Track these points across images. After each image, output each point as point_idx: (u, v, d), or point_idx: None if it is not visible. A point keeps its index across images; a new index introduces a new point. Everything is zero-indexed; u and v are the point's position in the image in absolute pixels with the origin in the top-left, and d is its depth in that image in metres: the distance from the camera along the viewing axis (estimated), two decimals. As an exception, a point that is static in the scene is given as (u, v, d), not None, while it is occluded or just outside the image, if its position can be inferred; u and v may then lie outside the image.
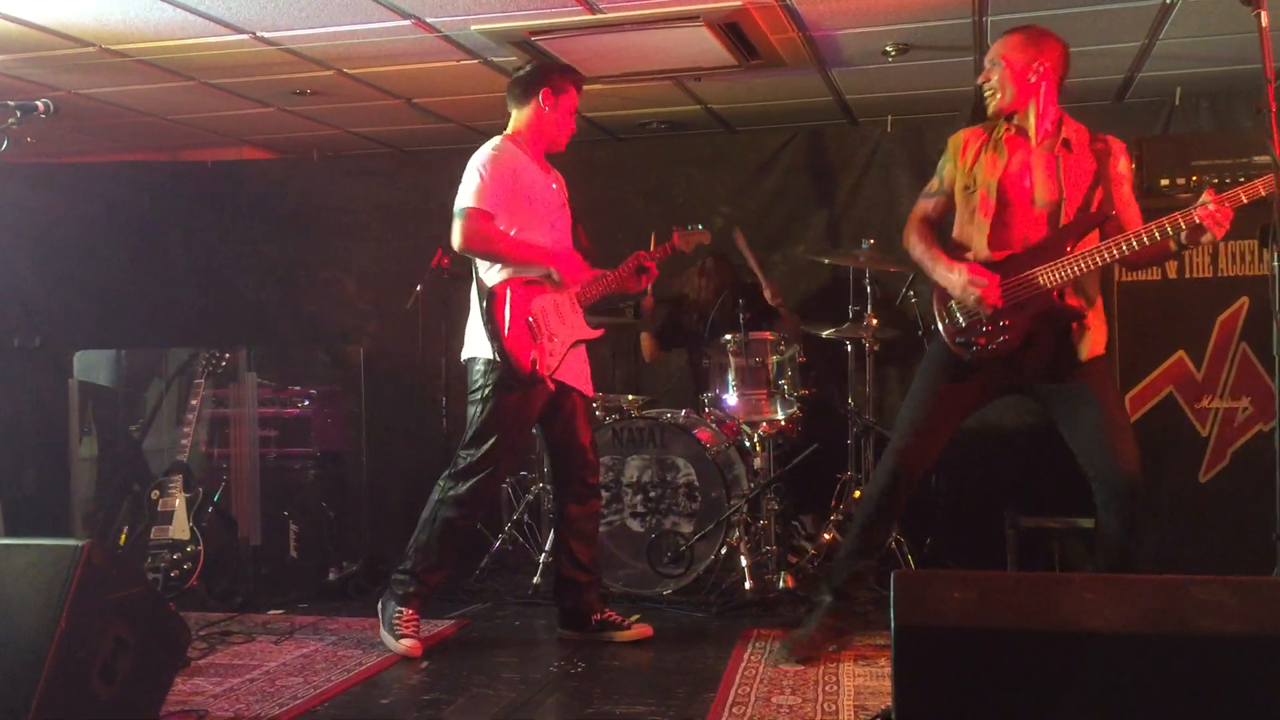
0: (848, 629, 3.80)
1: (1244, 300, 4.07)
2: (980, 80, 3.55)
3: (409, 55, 4.72)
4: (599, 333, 4.10)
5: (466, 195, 3.79)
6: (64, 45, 4.53)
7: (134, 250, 6.32)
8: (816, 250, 5.47)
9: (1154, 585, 2.34)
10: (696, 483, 4.69)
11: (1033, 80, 3.45)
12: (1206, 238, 3.18)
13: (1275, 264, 2.92)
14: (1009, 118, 3.52)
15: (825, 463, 4.97)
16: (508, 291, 3.82)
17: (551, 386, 3.88)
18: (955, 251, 3.55)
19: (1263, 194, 3.11)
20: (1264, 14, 3.00)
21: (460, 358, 4.00)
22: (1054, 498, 3.72)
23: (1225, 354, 4.08)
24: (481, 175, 3.79)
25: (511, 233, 3.84)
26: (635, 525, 4.76)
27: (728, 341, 4.85)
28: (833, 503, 5.01)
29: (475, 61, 4.81)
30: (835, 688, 3.38)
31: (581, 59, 4.76)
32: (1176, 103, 5.27)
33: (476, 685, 3.51)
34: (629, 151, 6.21)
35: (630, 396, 5.21)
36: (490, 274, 3.88)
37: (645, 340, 5.65)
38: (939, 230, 3.63)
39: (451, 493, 3.89)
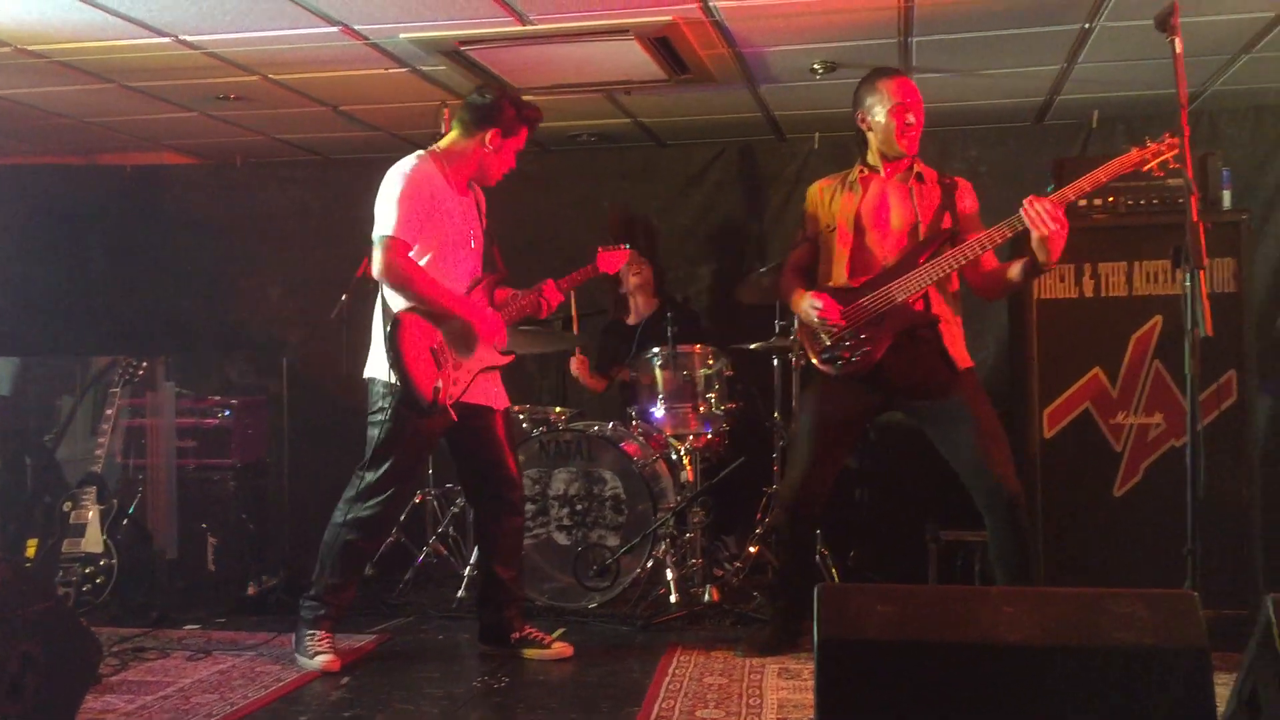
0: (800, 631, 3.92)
1: (1157, 319, 4.17)
2: (913, 120, 3.75)
3: (336, 62, 4.67)
4: (509, 359, 4.02)
5: (386, 222, 3.69)
6: (-23, 44, 4.41)
7: (49, 255, 6.15)
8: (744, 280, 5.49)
9: (1070, 598, 2.39)
10: (623, 496, 4.69)
11: None
12: (1035, 237, 3.42)
13: (1187, 284, 2.99)
14: (865, 159, 3.84)
15: (751, 476, 5.00)
16: (415, 319, 3.73)
17: (454, 417, 3.80)
18: (820, 286, 3.83)
19: (1087, 190, 3.46)
20: (1178, 40, 3.08)
21: (362, 374, 3.92)
22: (974, 512, 3.78)
23: (1139, 371, 4.18)
24: (399, 200, 3.69)
25: (424, 259, 3.76)
26: (561, 538, 4.74)
27: (655, 355, 4.86)
28: (758, 516, 5.04)
29: (404, 70, 4.77)
30: (759, 701, 3.39)
31: (511, 70, 4.75)
32: (1094, 126, 5.40)
33: (398, 701, 3.46)
34: (558, 163, 6.20)
35: (557, 409, 5.19)
36: (397, 298, 3.78)
37: (584, 375, 5.51)
38: (809, 274, 3.94)
39: (352, 516, 3.84)
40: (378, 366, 3.81)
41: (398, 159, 3.83)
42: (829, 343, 3.74)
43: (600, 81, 4.93)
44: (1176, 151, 3.34)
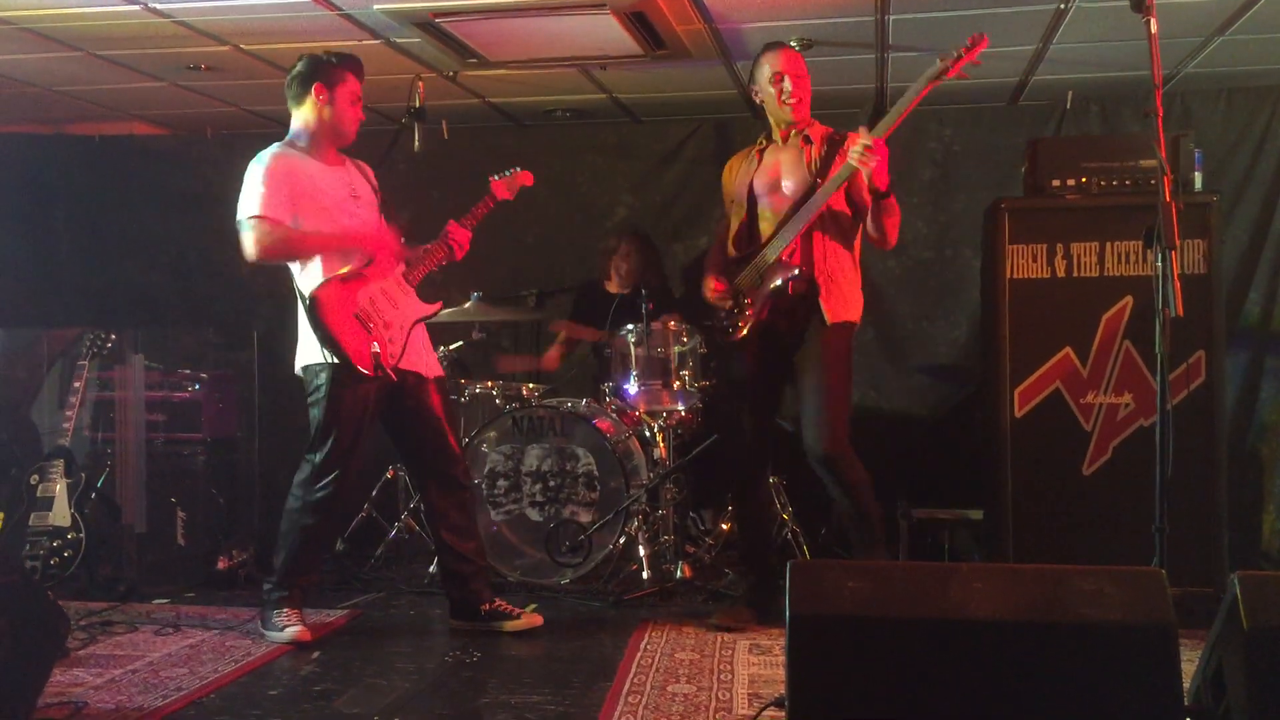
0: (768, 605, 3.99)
1: (1128, 299, 4.19)
2: (789, 87, 3.83)
3: (309, 32, 4.62)
4: (437, 307, 4.04)
5: (248, 205, 3.73)
6: (-59, 9, 4.33)
7: (15, 225, 6.07)
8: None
9: (1039, 575, 2.41)
10: (596, 472, 4.68)
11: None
12: (865, 174, 3.58)
13: (1158, 264, 3.01)
14: (767, 133, 3.99)
15: (724, 453, 5.00)
16: (329, 292, 3.74)
17: (394, 378, 3.82)
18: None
19: (904, 115, 3.62)
20: (1153, 21, 3.09)
21: (295, 371, 3.90)
22: (944, 489, 3.81)
23: (1110, 351, 4.20)
24: (259, 184, 3.72)
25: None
26: (534, 514, 4.74)
27: (629, 331, 4.85)
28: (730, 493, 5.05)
29: (377, 41, 4.72)
30: (730, 676, 3.40)
31: (486, 42, 4.71)
32: (1068, 106, 5.41)
33: (369, 675, 3.46)
34: (533, 139, 6.17)
35: (531, 385, 5.18)
36: (305, 279, 3.79)
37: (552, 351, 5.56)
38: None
39: (305, 500, 3.84)
40: (308, 353, 3.83)
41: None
42: (723, 315, 3.96)
43: (575, 56, 4.90)
44: (982, 48, 3.58)
